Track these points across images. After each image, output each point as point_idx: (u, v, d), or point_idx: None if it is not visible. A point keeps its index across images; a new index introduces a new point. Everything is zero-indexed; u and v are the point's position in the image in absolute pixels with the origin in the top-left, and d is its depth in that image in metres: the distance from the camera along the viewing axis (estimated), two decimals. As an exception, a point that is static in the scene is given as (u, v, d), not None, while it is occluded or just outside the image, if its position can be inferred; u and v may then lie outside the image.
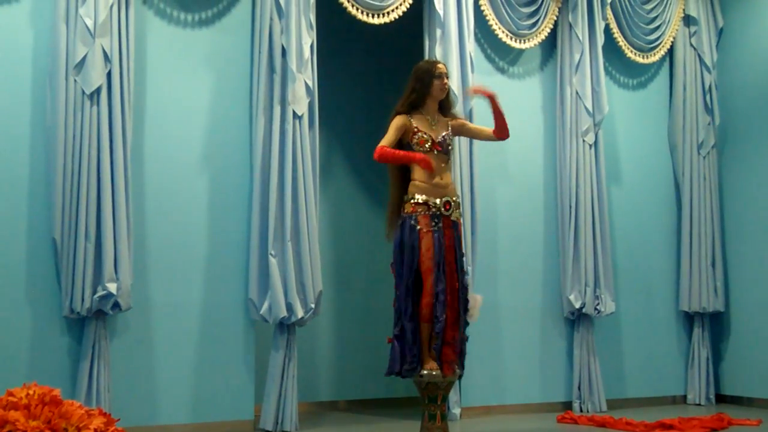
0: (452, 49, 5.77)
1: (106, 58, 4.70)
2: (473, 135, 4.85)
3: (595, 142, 6.35)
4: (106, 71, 4.70)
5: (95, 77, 4.65)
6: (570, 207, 6.21)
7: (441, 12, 5.75)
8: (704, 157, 6.87)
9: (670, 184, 6.96)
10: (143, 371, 4.89)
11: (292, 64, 5.19)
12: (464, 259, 4.61)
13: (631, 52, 6.76)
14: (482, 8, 6.11)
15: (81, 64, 4.65)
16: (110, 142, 4.69)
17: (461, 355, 4.41)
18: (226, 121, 5.28)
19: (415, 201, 4.39)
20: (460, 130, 4.73)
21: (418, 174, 4.45)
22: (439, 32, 5.77)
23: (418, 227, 4.36)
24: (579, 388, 6.16)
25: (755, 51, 6.85)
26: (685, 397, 6.76)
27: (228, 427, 5.06)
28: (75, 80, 4.64)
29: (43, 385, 2.87)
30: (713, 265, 6.76)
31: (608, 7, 6.56)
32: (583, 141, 6.29)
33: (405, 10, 5.74)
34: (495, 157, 6.12)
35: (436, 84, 4.51)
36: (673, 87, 7.02)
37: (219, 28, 5.34)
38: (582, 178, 6.25)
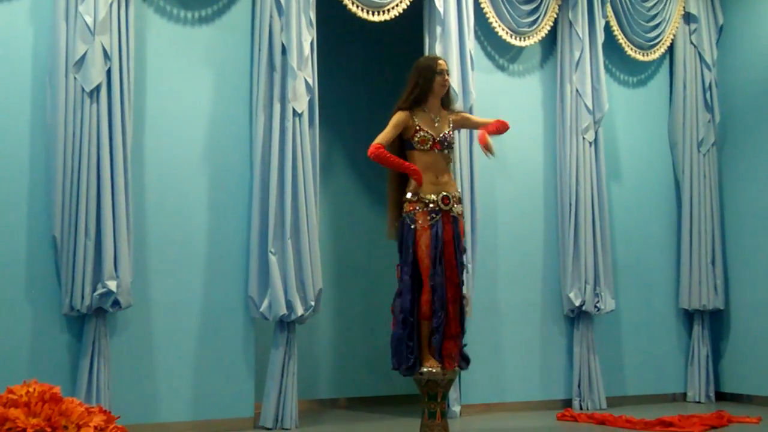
0: (452, 46, 5.76)
1: (106, 55, 4.70)
2: (475, 127, 4.85)
3: (595, 140, 6.35)
4: (106, 69, 4.70)
5: (95, 75, 4.65)
6: (570, 205, 6.21)
7: (441, 9, 5.75)
8: (704, 155, 6.87)
9: (670, 182, 6.96)
10: (143, 369, 4.89)
11: (293, 62, 5.19)
12: (464, 255, 4.60)
13: (631, 49, 6.75)
14: (482, 6, 6.11)
15: (81, 62, 4.64)
16: (110, 140, 4.69)
17: (461, 349, 4.41)
18: (226, 119, 5.28)
19: (413, 199, 4.39)
20: (463, 123, 4.74)
21: (416, 171, 4.43)
22: (439, 30, 5.77)
23: (414, 226, 4.35)
24: (579, 386, 6.16)
25: (755, 48, 6.84)
26: (684, 394, 6.75)
27: (228, 425, 5.06)
28: (75, 78, 4.64)
29: (43, 383, 2.87)
30: (713, 262, 6.76)
31: (608, 4, 6.55)
32: (583, 139, 6.28)
33: (405, 7, 5.74)
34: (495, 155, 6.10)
35: (438, 80, 4.50)
36: (673, 84, 7.02)
37: (219, 25, 5.33)
38: (582, 175, 6.25)
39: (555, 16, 6.40)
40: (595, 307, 6.20)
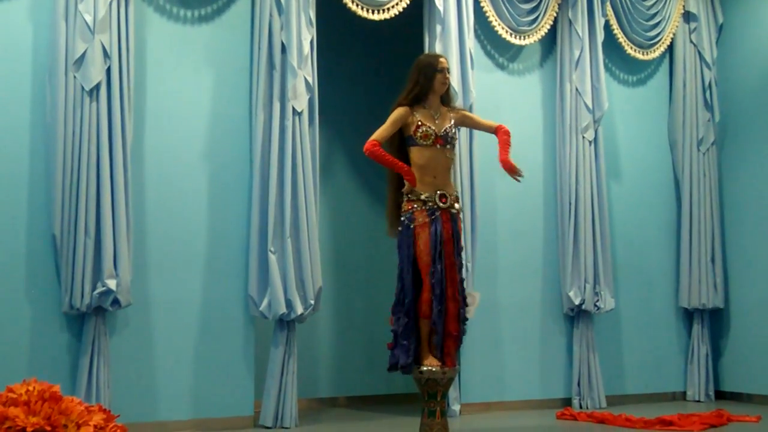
0: (452, 45, 5.76)
1: (106, 54, 4.70)
2: (475, 126, 4.84)
3: (595, 139, 6.35)
4: (106, 67, 4.70)
5: (95, 73, 4.65)
6: (570, 203, 6.21)
7: (441, 8, 5.75)
8: (704, 154, 6.87)
9: (670, 181, 6.96)
10: (143, 367, 4.89)
11: (292, 61, 5.19)
12: (462, 253, 4.59)
13: (631, 48, 6.75)
14: (482, 5, 6.11)
15: (80, 61, 4.64)
16: (110, 138, 4.69)
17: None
18: (225, 118, 5.28)
19: (411, 198, 4.38)
20: (463, 122, 4.72)
21: (414, 170, 4.42)
22: (438, 28, 5.77)
23: (413, 225, 4.35)
24: (578, 385, 6.16)
25: (755, 47, 6.84)
26: (684, 393, 6.76)
27: (228, 423, 5.06)
28: (74, 76, 4.64)
29: (43, 381, 2.87)
30: (713, 261, 6.76)
31: (608, 3, 6.55)
32: (583, 137, 6.29)
33: (405, 6, 5.74)
34: (495, 153, 6.06)
35: (438, 78, 4.49)
36: (672, 83, 7.02)
37: (219, 24, 5.33)
38: (582, 174, 6.25)
39: (555, 14, 6.40)
40: (595, 305, 6.20)
